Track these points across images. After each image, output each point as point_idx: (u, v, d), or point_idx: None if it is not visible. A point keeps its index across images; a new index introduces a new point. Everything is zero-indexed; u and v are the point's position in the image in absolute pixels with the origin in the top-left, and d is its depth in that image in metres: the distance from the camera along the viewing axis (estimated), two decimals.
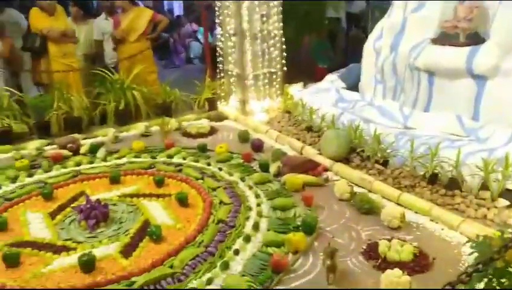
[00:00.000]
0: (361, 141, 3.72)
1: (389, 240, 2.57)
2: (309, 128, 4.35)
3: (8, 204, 3.22)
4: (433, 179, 3.17)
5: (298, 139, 4.20)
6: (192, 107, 5.52)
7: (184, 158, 3.97)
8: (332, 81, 5.16)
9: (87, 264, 2.44)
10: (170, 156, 4.01)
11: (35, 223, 2.97)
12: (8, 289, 2.31)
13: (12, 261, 2.51)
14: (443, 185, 3.12)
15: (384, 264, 2.40)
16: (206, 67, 5.89)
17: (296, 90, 5.13)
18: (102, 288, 2.31)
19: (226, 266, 2.44)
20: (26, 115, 4.81)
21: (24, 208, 3.17)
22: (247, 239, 2.69)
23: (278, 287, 2.30)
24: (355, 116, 4.08)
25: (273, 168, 3.60)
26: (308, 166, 3.57)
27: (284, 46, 5.26)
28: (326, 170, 3.61)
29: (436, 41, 4.02)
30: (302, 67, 6.71)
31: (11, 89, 4.82)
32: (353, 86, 5.01)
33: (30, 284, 2.35)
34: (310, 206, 3.05)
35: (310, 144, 4.07)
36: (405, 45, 4.32)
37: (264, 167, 3.64)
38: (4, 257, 2.52)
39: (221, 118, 5.09)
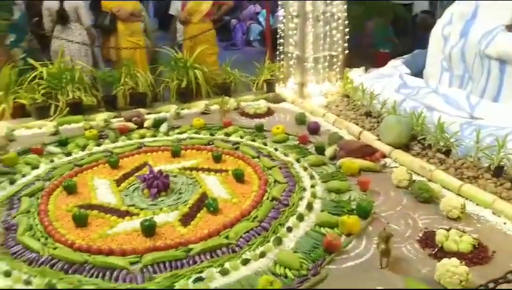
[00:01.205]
0: (423, 128, 3.61)
1: (447, 230, 2.50)
2: (368, 114, 4.28)
3: (78, 169, 3.45)
4: (498, 171, 3.03)
5: (356, 124, 4.14)
6: (251, 88, 5.58)
7: (241, 137, 4.05)
8: (396, 66, 5.01)
9: (149, 229, 2.58)
10: (228, 134, 4.10)
11: (102, 188, 3.17)
12: (77, 246, 2.50)
13: (81, 222, 2.71)
14: (509, 178, 2.98)
15: (441, 254, 2.36)
16: (265, 49, 5.92)
17: (356, 74, 5.04)
18: (161, 252, 2.43)
19: (279, 242, 2.50)
20: (95, 89, 5.09)
21: (92, 174, 3.39)
22: (301, 218, 2.72)
23: (329, 267, 2.32)
24: (418, 103, 3.96)
25: (329, 151, 3.59)
26: (366, 151, 3.53)
27: (347, 30, 5.17)
28: (384, 156, 3.55)
29: (511, 28, 3.78)
30: (364, 51, 6.57)
31: (82, 63, 5.09)
32: (417, 73, 4.84)
33: (96, 244, 2.52)
34: (366, 191, 3.03)
35: (368, 130, 4.01)
36: (476, 31, 4.10)
37: (320, 150, 3.64)
38: (74, 217, 2.72)
39: (279, 100, 5.12)
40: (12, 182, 3.25)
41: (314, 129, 4.12)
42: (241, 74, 5.51)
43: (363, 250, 2.46)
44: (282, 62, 5.47)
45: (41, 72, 4.83)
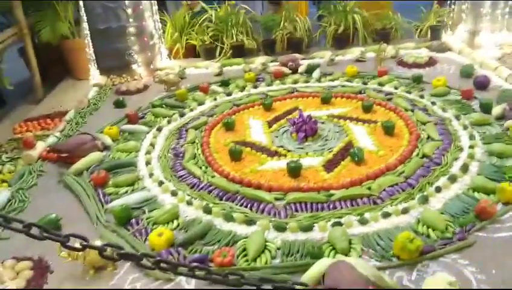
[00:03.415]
0: None
1: None
2: None
3: (236, 109, 3.75)
4: None
5: None
6: (413, 36, 5.19)
7: (396, 87, 3.86)
8: None
9: (294, 170, 2.72)
10: (381, 84, 3.95)
11: (255, 128, 3.41)
12: (231, 177, 2.78)
13: (236, 156, 2.98)
14: None
15: None
16: None
17: None
18: (304, 193, 2.56)
19: (424, 200, 2.40)
20: (257, 32, 5.31)
21: (248, 114, 3.65)
22: (453, 179, 2.55)
23: (478, 234, 2.16)
24: None
25: (497, 109, 3.20)
26: None
27: None
28: None
29: None
30: None
31: (246, 7, 5.33)
32: None
33: (247, 177, 2.76)
34: None
35: None
36: None
37: (486, 108, 3.27)
38: (230, 151, 3.00)
39: (444, 49, 4.66)
40: (182, 115, 3.70)
41: (483, 84, 3.68)
42: (404, 19, 5.13)
43: None
44: (452, 6, 4.92)
45: (211, 15, 5.22)
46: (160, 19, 5.16)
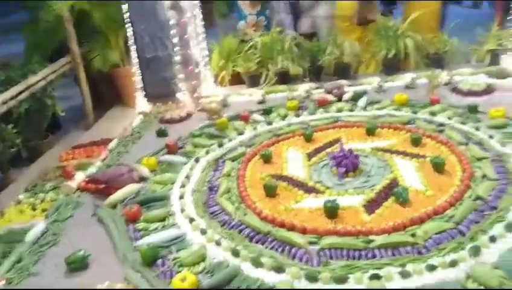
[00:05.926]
0: None
1: None
2: None
3: (275, 139, 3.62)
4: None
5: None
6: (470, 60, 4.84)
7: (449, 118, 3.58)
8: None
9: (331, 211, 2.53)
10: (433, 114, 3.68)
11: (293, 161, 3.25)
12: (264, 216, 2.64)
13: (271, 192, 2.83)
14: None
15: None
16: (495, 12, 5.01)
17: None
18: (340, 237, 2.37)
19: (476, 252, 2.13)
20: (303, 59, 5.18)
21: (287, 146, 3.51)
22: (511, 227, 2.26)
23: None
24: None
25: None
26: None
27: None
28: None
29: None
30: None
31: (293, 34, 5.24)
32: None
33: (281, 216, 2.60)
34: None
35: None
36: None
37: None
38: (265, 186, 2.86)
39: (504, 75, 4.29)
40: (220, 145, 3.63)
41: None
42: (460, 43, 4.81)
43: None
44: None
45: (256, 42, 5.18)
46: (208, 45, 5.19)
